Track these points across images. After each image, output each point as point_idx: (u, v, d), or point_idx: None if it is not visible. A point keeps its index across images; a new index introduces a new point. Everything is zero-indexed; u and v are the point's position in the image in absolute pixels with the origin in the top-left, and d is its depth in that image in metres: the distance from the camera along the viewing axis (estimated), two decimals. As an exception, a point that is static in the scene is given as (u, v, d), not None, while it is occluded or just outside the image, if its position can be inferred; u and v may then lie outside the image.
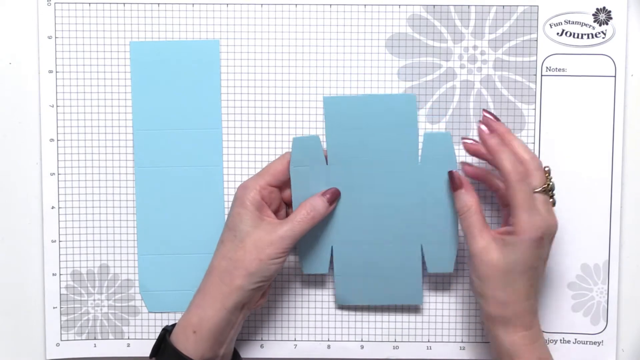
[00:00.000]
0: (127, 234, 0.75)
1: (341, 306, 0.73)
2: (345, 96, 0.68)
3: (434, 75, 0.73)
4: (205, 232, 0.73)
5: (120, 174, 0.74)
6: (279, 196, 0.68)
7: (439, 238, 0.69)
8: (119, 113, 0.74)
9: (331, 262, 0.71)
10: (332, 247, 0.70)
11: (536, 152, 0.75)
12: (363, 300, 0.72)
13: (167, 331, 0.68)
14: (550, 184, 0.65)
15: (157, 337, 0.69)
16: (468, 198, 0.66)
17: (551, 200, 0.65)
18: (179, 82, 0.72)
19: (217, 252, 0.67)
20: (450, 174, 0.67)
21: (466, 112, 0.74)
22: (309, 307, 0.76)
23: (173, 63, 0.72)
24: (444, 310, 0.75)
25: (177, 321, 0.70)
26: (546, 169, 0.65)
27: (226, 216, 0.73)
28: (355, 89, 0.74)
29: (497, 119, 0.66)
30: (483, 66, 0.73)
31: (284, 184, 0.69)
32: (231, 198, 0.74)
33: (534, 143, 0.74)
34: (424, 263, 0.71)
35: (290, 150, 0.67)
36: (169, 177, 0.73)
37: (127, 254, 0.75)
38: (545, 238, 0.64)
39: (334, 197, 0.68)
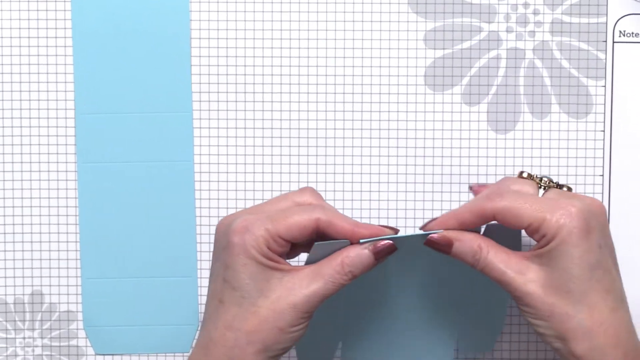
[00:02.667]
0: (67, 251, 0.70)
1: None
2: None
3: (472, 41, 0.68)
4: (171, 248, 0.69)
5: (58, 172, 0.69)
6: (288, 247, 0.60)
7: (481, 313, 0.66)
8: (56, 92, 0.69)
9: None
10: (340, 342, 0.67)
11: (606, 143, 0.69)
12: None
13: None
14: (542, 177, 0.60)
15: None
16: (468, 244, 0.58)
17: (563, 188, 0.60)
18: (137, 50, 0.69)
19: (216, 317, 0.58)
20: (429, 243, 0.59)
21: (514, 90, 0.68)
22: None
23: (129, 25, 0.68)
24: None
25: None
26: (524, 174, 0.61)
27: (198, 227, 0.69)
28: (368, 59, 0.68)
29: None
30: (537, 30, 0.68)
31: (300, 243, 0.61)
32: (204, 203, 0.69)
33: (603, 131, 0.68)
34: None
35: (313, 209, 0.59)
36: (123, 177, 0.69)
37: (68, 277, 0.70)
38: (593, 223, 0.56)
39: (385, 252, 0.58)
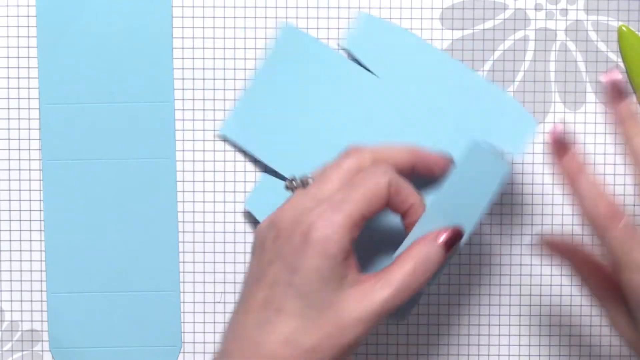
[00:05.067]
0: (30, 261, 0.68)
1: None
2: None
3: (496, 21, 0.66)
4: (150, 258, 0.68)
5: (20, 170, 0.68)
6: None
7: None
8: (18, 79, 0.67)
9: None
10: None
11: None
12: None
13: None
14: None
15: None
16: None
17: None
18: (109, 33, 0.67)
19: (271, 330, 0.56)
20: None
21: (544, 77, 0.66)
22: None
23: (100, 4, 0.66)
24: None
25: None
26: None
27: (180, 234, 0.68)
28: (378, 40, 0.69)
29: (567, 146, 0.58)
30: (570, 7, 0.66)
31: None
32: (188, 207, 0.67)
33: (646, 127, 0.67)
34: None
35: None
36: (95, 176, 0.68)
37: (31, 291, 0.68)
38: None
39: (454, 239, 0.58)
